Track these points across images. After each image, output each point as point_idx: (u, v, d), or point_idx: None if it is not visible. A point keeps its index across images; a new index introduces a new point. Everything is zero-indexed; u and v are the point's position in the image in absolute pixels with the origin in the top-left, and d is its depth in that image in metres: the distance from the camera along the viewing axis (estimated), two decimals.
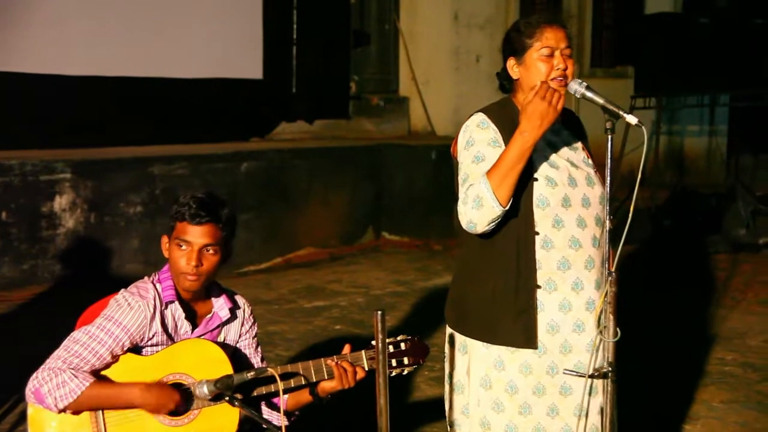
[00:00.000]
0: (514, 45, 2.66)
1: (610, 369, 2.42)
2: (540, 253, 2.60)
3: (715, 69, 9.16)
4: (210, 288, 2.77)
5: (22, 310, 6.13)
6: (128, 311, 2.60)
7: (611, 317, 2.40)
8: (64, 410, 2.51)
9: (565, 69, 2.59)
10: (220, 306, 2.77)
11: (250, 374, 2.54)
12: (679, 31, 9.46)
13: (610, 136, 2.43)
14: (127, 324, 2.59)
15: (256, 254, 7.92)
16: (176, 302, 2.68)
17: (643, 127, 2.45)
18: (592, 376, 2.48)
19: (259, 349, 2.89)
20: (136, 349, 2.64)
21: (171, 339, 2.68)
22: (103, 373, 2.58)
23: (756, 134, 12.63)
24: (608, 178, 2.47)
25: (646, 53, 9.57)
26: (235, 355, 2.78)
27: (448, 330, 2.81)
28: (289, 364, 2.71)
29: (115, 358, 2.59)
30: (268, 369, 2.60)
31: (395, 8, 11.30)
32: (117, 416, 2.55)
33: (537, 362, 2.63)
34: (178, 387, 2.59)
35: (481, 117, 2.67)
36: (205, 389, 2.52)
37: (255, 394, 2.68)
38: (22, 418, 3.74)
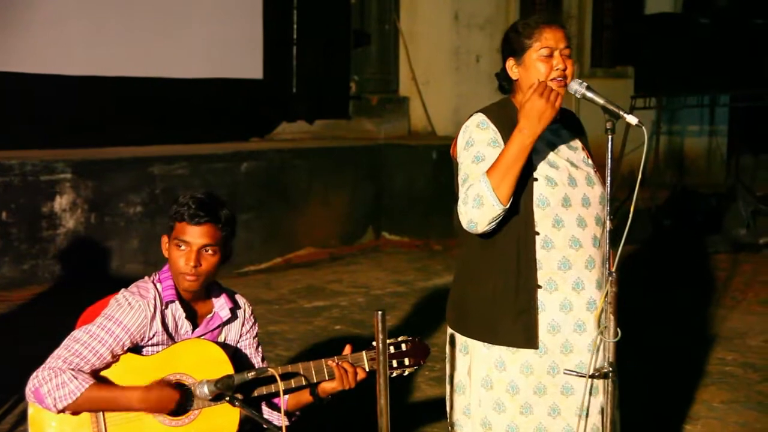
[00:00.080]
0: (513, 45, 2.66)
1: (610, 369, 2.42)
2: (540, 253, 2.60)
3: (715, 69, 9.16)
4: (210, 288, 2.77)
5: (22, 310, 6.13)
6: (129, 311, 2.60)
7: (612, 317, 2.40)
8: (63, 410, 2.50)
9: (565, 69, 2.59)
10: (220, 306, 2.77)
11: (251, 374, 2.54)
12: (680, 31, 9.46)
13: (610, 137, 2.43)
14: (127, 323, 2.59)
15: (256, 254, 7.92)
16: (177, 302, 2.68)
17: (643, 128, 2.45)
18: (592, 377, 2.48)
19: (259, 349, 2.89)
20: (136, 348, 2.64)
21: (171, 339, 2.68)
22: (103, 373, 2.58)
23: (756, 134, 12.63)
24: (609, 179, 2.47)
25: (646, 53, 9.57)
26: (236, 355, 2.78)
27: (449, 331, 2.81)
28: (290, 365, 2.71)
29: (116, 358, 2.59)
30: (269, 369, 2.60)
31: (395, 8, 11.29)
32: (117, 416, 2.55)
33: (538, 362, 2.63)
34: (178, 386, 2.59)
35: (480, 117, 2.67)
36: (206, 389, 2.52)
37: (255, 394, 2.68)
38: (23, 418, 3.73)
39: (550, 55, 2.59)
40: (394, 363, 2.76)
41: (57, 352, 2.56)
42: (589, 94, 2.50)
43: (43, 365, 2.53)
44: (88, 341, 2.55)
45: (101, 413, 2.55)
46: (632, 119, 2.44)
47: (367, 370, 2.73)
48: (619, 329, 2.41)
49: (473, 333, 2.70)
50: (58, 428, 2.54)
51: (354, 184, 8.99)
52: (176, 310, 2.69)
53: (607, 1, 13.10)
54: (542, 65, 2.59)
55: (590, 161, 2.75)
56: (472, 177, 2.57)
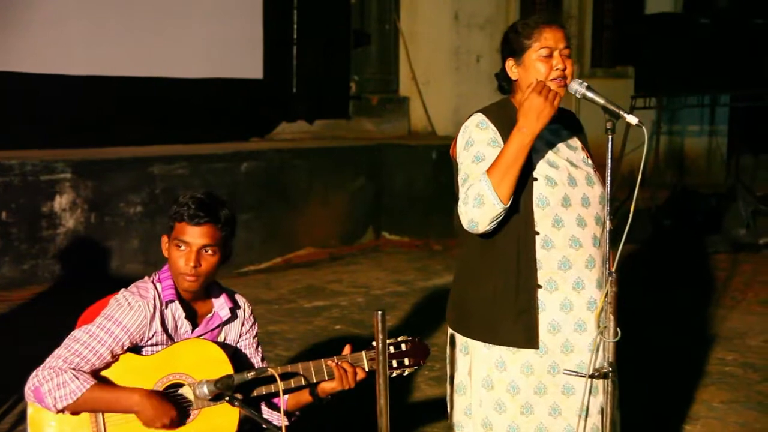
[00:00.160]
0: (512, 46, 2.66)
1: (610, 369, 2.42)
2: (540, 253, 2.60)
3: (715, 69, 9.15)
4: (210, 288, 2.77)
5: (22, 310, 6.13)
6: (128, 311, 2.60)
7: (611, 317, 2.40)
8: (62, 411, 2.50)
9: (564, 69, 2.59)
10: (220, 306, 2.77)
11: (251, 374, 2.54)
12: (680, 31, 9.46)
13: (610, 136, 2.43)
14: (127, 324, 2.59)
15: (256, 254, 7.92)
16: (176, 302, 2.68)
17: (643, 127, 2.45)
18: (592, 376, 2.48)
19: (259, 349, 2.89)
20: (136, 348, 2.64)
21: (171, 339, 2.68)
22: (103, 373, 2.58)
23: (756, 134, 12.63)
24: (609, 178, 2.47)
25: (646, 53, 9.57)
26: (236, 355, 2.78)
27: (449, 331, 2.81)
28: (289, 365, 2.71)
29: (115, 358, 2.59)
30: (269, 369, 2.60)
31: (395, 8, 11.30)
32: (117, 417, 2.55)
33: (538, 362, 2.62)
34: (177, 398, 2.58)
35: (480, 117, 2.67)
36: (205, 389, 2.52)
37: (255, 394, 2.68)
38: (22, 417, 3.74)
39: (550, 56, 2.59)
40: (394, 363, 2.76)
41: (57, 351, 2.56)
42: (590, 94, 2.50)
43: (43, 365, 2.53)
44: (87, 341, 2.55)
45: (100, 413, 2.54)
46: (632, 119, 2.44)
47: (367, 370, 2.73)
48: (618, 329, 2.41)
49: (474, 333, 2.70)
50: (58, 428, 2.54)
51: (354, 184, 8.98)
52: (176, 310, 2.69)
53: (608, 2, 13.11)
54: (542, 65, 2.59)
55: (590, 161, 2.75)
56: (473, 177, 2.57)
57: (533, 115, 2.48)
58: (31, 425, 2.56)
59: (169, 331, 2.68)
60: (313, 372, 2.70)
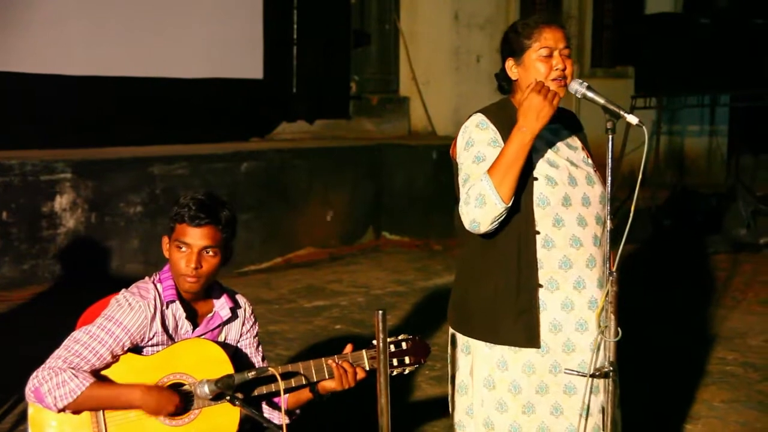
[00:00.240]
0: (512, 46, 2.66)
1: (611, 368, 2.42)
2: (541, 252, 2.60)
3: (715, 69, 9.16)
4: (211, 287, 2.77)
5: (22, 310, 6.13)
6: (129, 311, 2.60)
7: (612, 317, 2.40)
8: (63, 410, 2.50)
9: (564, 69, 2.59)
10: (221, 305, 2.77)
11: (251, 374, 2.54)
12: (680, 31, 9.46)
13: (610, 136, 2.43)
14: (127, 324, 2.59)
15: (256, 254, 7.92)
16: (177, 302, 2.68)
17: (643, 127, 2.45)
18: (593, 376, 2.48)
19: (259, 348, 2.89)
20: (136, 348, 2.64)
21: (171, 339, 2.68)
22: (103, 373, 2.58)
23: (756, 134, 12.63)
24: (609, 178, 2.48)
25: (646, 53, 9.57)
26: (236, 355, 2.78)
27: (450, 331, 2.81)
28: (290, 364, 2.71)
29: (116, 358, 2.59)
30: (269, 368, 2.60)
31: (395, 8, 11.30)
32: (117, 416, 2.55)
33: (540, 361, 2.63)
34: (178, 388, 2.59)
35: (480, 117, 2.67)
36: (206, 389, 2.52)
37: (256, 393, 2.68)
38: (23, 417, 3.73)
39: (550, 55, 2.59)
40: (395, 362, 2.76)
41: (57, 352, 2.56)
42: (590, 94, 2.50)
43: (43, 365, 2.53)
44: (88, 341, 2.55)
45: (101, 413, 2.55)
46: (633, 119, 2.44)
47: (368, 368, 2.73)
48: (619, 328, 2.41)
49: (475, 333, 2.70)
50: (59, 428, 2.54)
51: (354, 183, 8.99)
52: (176, 310, 2.69)
53: (608, 2, 13.11)
54: (542, 65, 2.59)
55: (590, 161, 2.75)
56: (474, 177, 2.57)
57: (533, 115, 2.48)
58: (32, 425, 2.56)
59: (170, 331, 2.68)
60: (313, 371, 2.70)
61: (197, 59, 8.80)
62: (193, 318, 2.74)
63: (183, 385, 2.61)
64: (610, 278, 2.40)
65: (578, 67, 12.22)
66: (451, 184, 2.77)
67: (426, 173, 9.14)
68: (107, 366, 2.59)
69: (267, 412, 2.78)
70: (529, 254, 2.60)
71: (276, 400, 2.75)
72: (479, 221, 2.53)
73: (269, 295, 6.89)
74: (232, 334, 2.82)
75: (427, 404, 4.50)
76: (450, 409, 2.84)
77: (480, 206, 2.51)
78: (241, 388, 2.59)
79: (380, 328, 2.16)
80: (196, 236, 2.63)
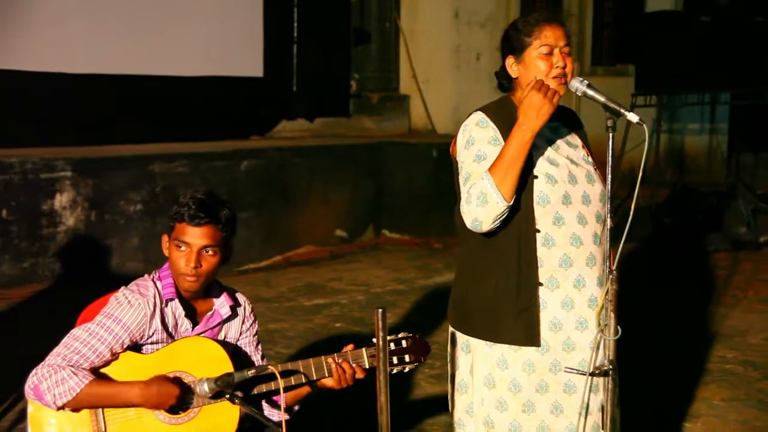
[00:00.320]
0: (512, 43, 2.66)
1: (610, 367, 2.42)
2: (541, 251, 2.60)
3: (715, 67, 9.15)
4: (210, 286, 2.77)
5: (22, 308, 6.13)
6: (128, 309, 2.60)
7: (612, 315, 2.40)
8: (62, 407, 2.50)
9: (564, 67, 2.59)
10: (221, 304, 2.77)
11: (251, 372, 2.54)
12: (680, 29, 9.45)
13: (611, 134, 2.43)
14: (127, 322, 2.59)
15: (256, 252, 7.92)
16: (176, 300, 2.68)
17: (644, 125, 2.45)
18: (593, 374, 2.48)
19: (259, 346, 2.89)
20: (136, 347, 2.64)
21: (171, 337, 2.68)
22: (103, 371, 2.58)
23: (757, 132, 12.63)
24: (609, 176, 2.48)
25: (646, 51, 9.56)
26: (236, 353, 2.78)
27: (450, 329, 2.81)
28: (290, 362, 2.71)
29: (115, 356, 2.59)
30: (269, 367, 2.60)
31: (396, 6, 11.29)
32: (117, 414, 2.55)
33: (540, 360, 2.62)
34: (178, 382, 2.58)
35: (480, 116, 2.67)
36: (206, 387, 2.52)
37: (255, 391, 2.68)
38: (22, 416, 3.74)
39: (550, 53, 2.59)
40: (395, 360, 2.76)
41: (56, 349, 2.56)
42: (590, 92, 2.50)
43: (43, 363, 2.53)
44: (87, 339, 2.55)
45: (101, 411, 2.55)
46: (633, 117, 2.43)
47: (368, 366, 2.73)
48: (619, 327, 2.41)
49: (475, 332, 2.70)
50: (58, 426, 2.54)
51: (354, 182, 8.98)
52: (176, 308, 2.69)
53: (608, 0, 13.11)
54: (542, 63, 2.59)
55: (590, 159, 2.75)
56: (475, 176, 2.57)
57: (533, 113, 2.48)
58: (32, 423, 2.56)
59: (170, 329, 2.68)
60: (313, 369, 2.70)
61: (197, 57, 8.80)
62: (193, 316, 2.74)
63: (183, 382, 2.61)
64: (610, 276, 2.40)
65: (578, 65, 12.21)
66: (451, 183, 2.76)
67: (426, 171, 9.13)
68: (107, 364, 2.58)
69: (267, 410, 2.78)
70: (529, 253, 2.60)
71: (275, 398, 2.75)
72: (481, 220, 2.53)
73: (269, 294, 6.89)
74: (231, 332, 2.82)
75: (427, 402, 4.50)
76: (450, 408, 2.84)
77: (482, 205, 2.51)
78: (241, 386, 2.59)
79: (380, 326, 2.16)
80: (196, 235, 2.63)
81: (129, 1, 8.29)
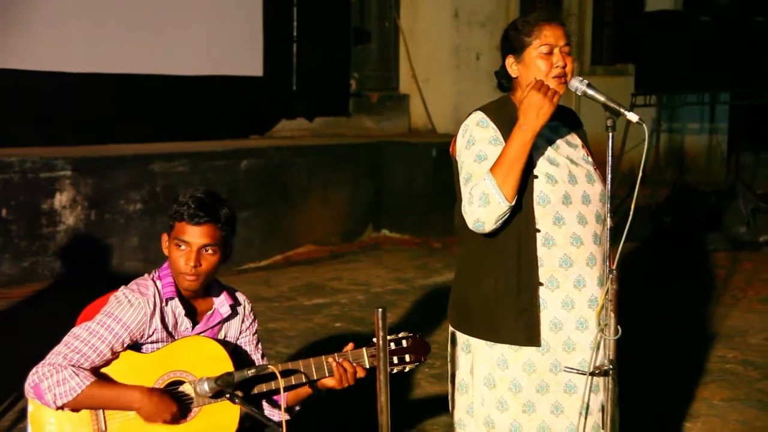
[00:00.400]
0: (512, 43, 2.66)
1: (610, 367, 2.42)
2: (541, 251, 2.60)
3: (715, 67, 9.15)
4: (210, 285, 2.77)
5: (22, 308, 6.13)
6: (128, 308, 2.60)
7: (612, 315, 2.40)
8: (62, 407, 2.50)
9: (565, 66, 2.59)
10: (220, 303, 2.77)
11: (251, 371, 2.54)
12: (680, 29, 9.45)
13: (610, 134, 2.43)
14: (127, 321, 2.59)
15: (256, 252, 7.92)
16: (176, 299, 2.68)
17: (643, 125, 2.45)
18: (593, 374, 2.48)
19: (259, 346, 2.89)
20: (136, 346, 2.64)
21: (171, 336, 2.68)
22: (103, 370, 2.58)
23: (756, 132, 12.62)
24: (609, 176, 2.47)
25: (646, 51, 9.56)
26: (236, 352, 2.78)
27: (450, 329, 2.81)
28: (290, 362, 2.71)
29: (115, 355, 2.59)
30: (269, 366, 2.60)
31: (396, 6, 11.29)
32: (117, 414, 2.55)
33: (540, 360, 2.62)
34: (177, 393, 2.58)
35: (480, 116, 2.67)
36: (206, 386, 2.52)
37: (255, 391, 2.68)
38: (22, 415, 3.73)
39: (550, 53, 2.59)
40: (395, 359, 2.76)
41: (57, 348, 2.56)
42: (590, 92, 2.50)
43: (43, 361, 2.53)
44: (87, 338, 2.55)
45: (101, 410, 2.54)
46: (633, 116, 2.43)
47: (368, 366, 2.73)
48: (619, 327, 2.41)
49: (475, 332, 2.70)
50: (58, 426, 2.54)
51: (354, 181, 8.99)
52: (176, 308, 2.69)
53: None
54: (542, 62, 2.59)
55: (590, 158, 2.75)
56: (476, 176, 2.57)
57: (533, 112, 2.48)
58: (32, 423, 2.56)
59: (169, 328, 2.68)
60: (313, 369, 2.70)
61: (197, 56, 8.80)
62: (193, 315, 2.74)
63: (182, 383, 2.61)
64: (610, 276, 2.40)
65: (578, 65, 12.21)
66: (450, 182, 2.76)
67: (426, 171, 9.13)
68: (107, 363, 2.58)
69: (267, 410, 2.78)
70: (529, 252, 2.60)
71: (276, 398, 2.75)
72: (483, 221, 2.53)
73: (269, 293, 6.89)
74: (231, 331, 2.82)
75: (427, 402, 4.50)
76: (450, 408, 2.84)
77: (484, 205, 2.51)
78: (241, 385, 2.59)
79: (380, 325, 2.16)
80: (196, 234, 2.63)
81: (129, 0, 8.29)
